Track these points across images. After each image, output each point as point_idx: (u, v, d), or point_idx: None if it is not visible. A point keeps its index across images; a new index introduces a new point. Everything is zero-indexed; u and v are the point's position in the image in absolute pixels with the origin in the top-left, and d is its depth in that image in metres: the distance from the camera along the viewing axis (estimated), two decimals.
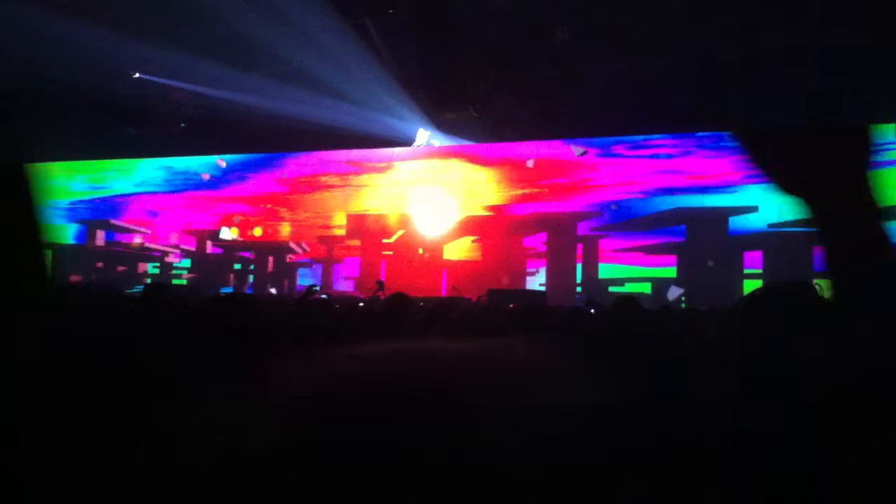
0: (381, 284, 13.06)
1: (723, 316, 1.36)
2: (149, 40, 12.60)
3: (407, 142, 14.87)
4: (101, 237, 16.08)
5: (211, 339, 1.77)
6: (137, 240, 15.91)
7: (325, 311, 2.85)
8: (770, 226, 12.40)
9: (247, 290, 15.18)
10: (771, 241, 12.30)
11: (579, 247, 13.70)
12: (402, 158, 15.14)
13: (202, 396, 0.52)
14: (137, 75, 14.53)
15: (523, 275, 14.01)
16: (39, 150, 16.21)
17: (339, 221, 15.24)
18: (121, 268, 15.71)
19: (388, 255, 14.82)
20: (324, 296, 8.54)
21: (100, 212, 16.62)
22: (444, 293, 13.59)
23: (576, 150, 13.89)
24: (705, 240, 12.79)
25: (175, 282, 15.32)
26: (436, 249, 14.49)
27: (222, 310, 2.21)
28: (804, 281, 1.32)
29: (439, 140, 14.85)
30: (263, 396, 0.48)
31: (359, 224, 15.01)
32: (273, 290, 15.11)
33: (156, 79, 14.45)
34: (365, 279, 14.34)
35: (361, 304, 6.27)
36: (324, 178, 15.65)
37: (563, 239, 13.71)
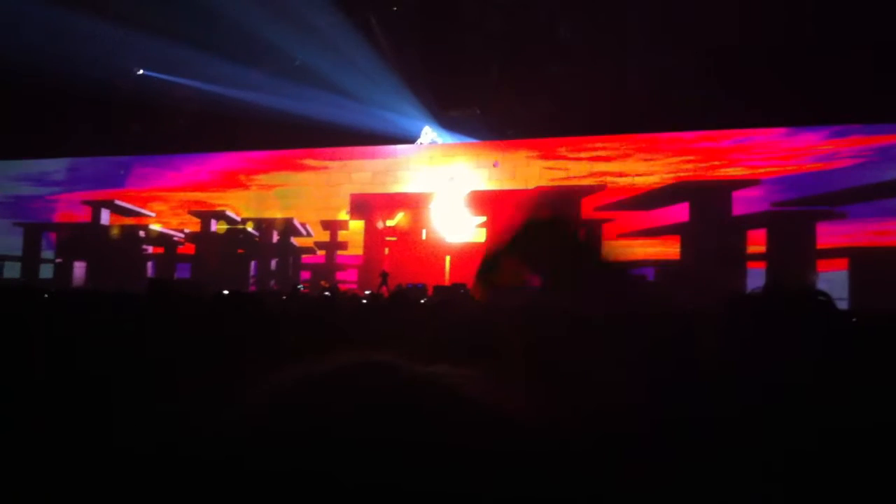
0: (384, 277, 13.08)
1: (724, 320, 1.37)
2: (152, 37, 12.63)
3: (411, 139, 14.86)
4: (105, 217, 16.12)
5: (213, 341, 1.79)
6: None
7: (327, 311, 2.87)
8: (773, 204, 12.40)
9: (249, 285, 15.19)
10: (774, 219, 12.27)
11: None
12: (405, 154, 15.11)
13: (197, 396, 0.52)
14: (141, 72, 14.56)
15: None
16: (42, 146, 16.28)
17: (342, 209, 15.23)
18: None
19: (392, 241, 14.75)
20: (326, 293, 8.53)
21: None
22: (446, 281, 13.51)
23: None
24: (709, 218, 12.62)
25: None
26: (438, 233, 14.48)
27: (226, 311, 2.22)
28: (814, 289, 1.32)
29: (443, 137, 14.83)
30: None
31: (361, 205, 15.01)
32: (274, 284, 15.11)
33: (159, 75, 14.48)
34: (368, 272, 14.30)
35: (364, 300, 6.27)
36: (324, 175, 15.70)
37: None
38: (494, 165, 14.31)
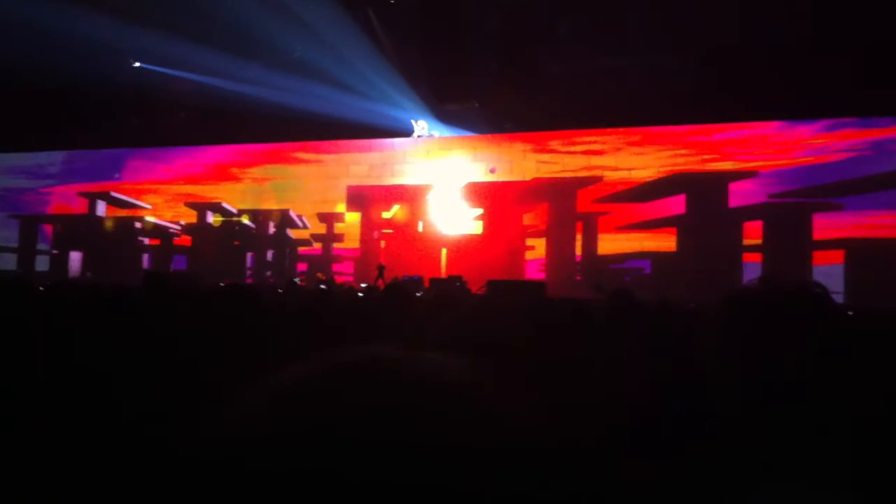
0: (381, 270, 13.09)
1: (720, 317, 1.36)
2: (150, 30, 12.57)
3: (408, 132, 14.82)
4: (101, 209, 16.16)
5: (211, 335, 1.79)
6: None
7: (324, 305, 2.87)
8: (770, 196, 12.43)
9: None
10: (771, 210, 12.32)
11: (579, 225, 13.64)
12: (402, 148, 15.06)
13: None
14: (138, 64, 14.49)
15: (522, 251, 13.94)
16: (36, 139, 16.22)
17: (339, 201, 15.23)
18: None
19: (388, 234, 14.77)
20: (322, 286, 8.53)
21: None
22: (442, 274, 13.55)
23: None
24: (705, 210, 12.68)
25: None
26: (435, 225, 14.51)
27: (226, 303, 2.22)
28: (810, 281, 1.32)
29: (440, 131, 14.79)
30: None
31: (358, 197, 15.02)
32: (270, 276, 15.11)
33: (156, 68, 14.41)
34: (364, 265, 14.34)
35: (361, 294, 6.27)
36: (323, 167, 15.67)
37: (564, 212, 13.55)
38: (491, 171, 14.28)
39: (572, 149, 13.95)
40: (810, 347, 1.12)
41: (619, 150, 13.60)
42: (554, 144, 14.07)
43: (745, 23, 11.07)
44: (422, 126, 14.66)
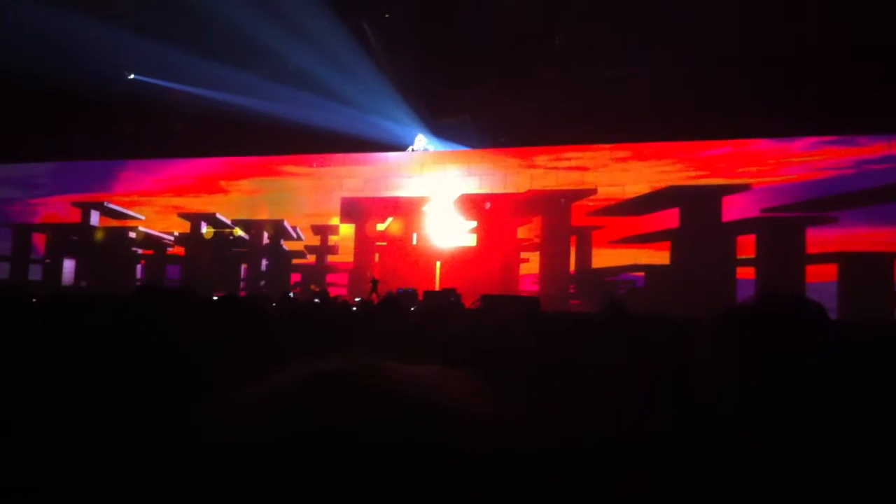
0: (375, 284, 13.08)
1: (717, 326, 1.37)
2: (142, 40, 12.59)
3: (402, 146, 14.83)
4: (95, 219, 16.10)
5: (207, 346, 1.78)
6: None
7: (318, 319, 2.86)
8: (763, 210, 12.47)
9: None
10: (764, 225, 12.37)
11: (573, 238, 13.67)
12: (397, 160, 15.07)
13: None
14: (133, 77, 14.48)
15: (517, 264, 13.94)
16: (36, 150, 16.17)
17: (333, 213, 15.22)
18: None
19: (382, 246, 14.75)
20: (316, 299, 8.51)
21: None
22: (436, 287, 13.54)
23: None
24: (699, 224, 12.71)
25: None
26: (429, 238, 14.51)
27: (222, 314, 2.21)
28: (806, 298, 1.33)
29: (434, 145, 14.80)
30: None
31: (352, 209, 14.98)
32: (264, 287, 15.06)
33: (152, 80, 14.41)
34: (358, 277, 14.32)
35: (355, 308, 6.24)
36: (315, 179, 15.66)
37: (557, 226, 13.58)
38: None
39: (564, 164, 13.98)
40: (808, 355, 1.13)
41: (605, 165, 13.65)
42: (547, 160, 14.11)
43: (745, 31, 11.11)
44: (420, 140, 14.67)
